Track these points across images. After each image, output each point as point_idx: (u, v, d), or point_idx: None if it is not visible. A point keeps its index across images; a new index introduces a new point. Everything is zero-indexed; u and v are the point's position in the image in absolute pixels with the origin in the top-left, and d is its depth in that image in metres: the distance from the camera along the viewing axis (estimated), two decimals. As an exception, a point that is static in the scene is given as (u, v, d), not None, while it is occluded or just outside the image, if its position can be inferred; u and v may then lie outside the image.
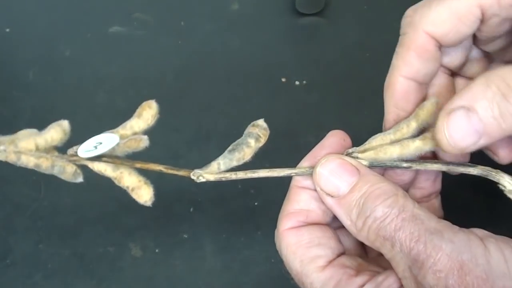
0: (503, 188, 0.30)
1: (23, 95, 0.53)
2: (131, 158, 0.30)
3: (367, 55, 0.55)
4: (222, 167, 0.30)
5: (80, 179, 0.30)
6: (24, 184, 0.48)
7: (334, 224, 0.30)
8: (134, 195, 0.30)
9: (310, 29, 0.58)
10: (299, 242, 0.28)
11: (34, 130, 0.29)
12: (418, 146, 0.29)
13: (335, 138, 0.32)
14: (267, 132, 0.30)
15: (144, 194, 0.30)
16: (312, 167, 0.29)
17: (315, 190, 0.29)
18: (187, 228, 0.46)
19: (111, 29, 0.57)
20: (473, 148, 0.27)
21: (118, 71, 0.54)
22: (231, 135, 0.51)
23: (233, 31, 0.57)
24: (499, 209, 0.46)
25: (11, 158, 0.29)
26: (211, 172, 0.30)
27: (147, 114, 0.31)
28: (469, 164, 0.31)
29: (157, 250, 0.45)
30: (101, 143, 0.29)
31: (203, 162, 0.49)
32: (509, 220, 0.46)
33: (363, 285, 0.26)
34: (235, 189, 0.47)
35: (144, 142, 0.30)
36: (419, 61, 0.30)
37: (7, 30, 0.57)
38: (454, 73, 0.35)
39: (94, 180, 0.48)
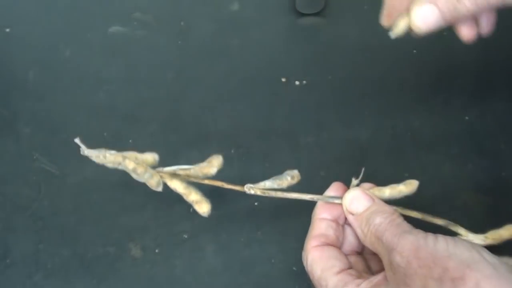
0: (460, 236, 0.40)
1: (23, 95, 0.53)
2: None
3: (367, 55, 0.55)
4: (267, 186, 0.41)
5: (160, 188, 0.40)
6: (24, 184, 0.48)
7: (345, 249, 0.40)
8: (197, 207, 0.40)
9: (310, 29, 0.58)
10: (322, 255, 0.38)
11: (135, 153, 0.39)
12: (402, 189, 0.41)
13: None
14: (299, 178, 0.41)
15: (204, 206, 0.40)
16: (336, 197, 0.40)
17: (332, 220, 0.40)
18: (187, 228, 0.46)
19: (111, 29, 0.57)
20: (435, 27, 0.39)
21: (118, 71, 0.54)
22: (231, 135, 0.51)
23: (233, 31, 0.57)
24: (499, 209, 0.46)
25: (118, 159, 0.38)
26: (259, 188, 0.41)
27: (215, 163, 0.42)
28: (438, 217, 0.40)
29: (157, 250, 0.45)
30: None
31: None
32: (509, 220, 0.46)
33: (360, 283, 0.35)
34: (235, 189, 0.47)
35: (212, 170, 0.41)
36: None
37: (7, 30, 0.57)
38: None
39: (94, 180, 0.48)
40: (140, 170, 0.39)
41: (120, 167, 0.38)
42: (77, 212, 0.47)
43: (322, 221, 0.40)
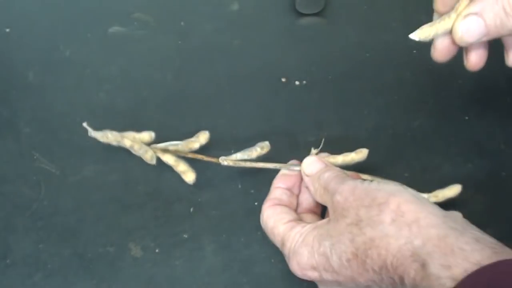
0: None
1: (23, 95, 0.53)
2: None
3: (367, 55, 0.55)
4: (239, 157, 0.45)
5: (154, 162, 0.46)
6: (24, 184, 0.48)
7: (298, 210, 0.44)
8: (184, 176, 0.46)
9: (310, 29, 0.58)
10: (274, 211, 0.42)
11: (133, 132, 0.46)
12: (353, 157, 0.45)
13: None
14: (268, 148, 0.46)
15: (189, 175, 0.46)
16: (295, 165, 0.45)
17: (286, 188, 0.44)
18: (187, 228, 0.46)
19: (111, 29, 0.57)
20: (477, 42, 0.39)
21: (118, 71, 0.54)
22: (231, 135, 0.51)
23: (233, 31, 0.57)
24: (499, 209, 0.46)
25: (118, 138, 0.44)
26: (231, 159, 0.45)
27: (202, 137, 0.47)
28: (387, 179, 0.46)
29: (157, 250, 0.45)
30: (171, 143, 0.46)
31: (203, 162, 0.49)
32: (509, 221, 0.46)
33: (305, 226, 0.39)
34: (235, 189, 0.47)
35: (196, 144, 0.47)
36: None
37: (7, 30, 0.57)
38: None
39: (94, 180, 0.48)
40: (136, 146, 0.44)
41: (120, 144, 0.45)
42: (77, 212, 0.47)
43: (277, 188, 0.44)
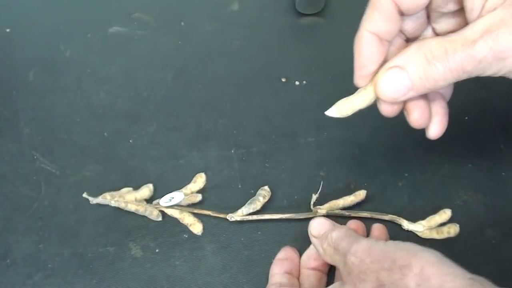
0: (403, 226, 0.45)
1: (23, 95, 0.53)
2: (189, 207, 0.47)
3: (367, 55, 0.55)
4: (245, 212, 0.45)
5: (160, 218, 0.46)
6: (24, 184, 0.48)
7: None
8: (191, 228, 0.46)
9: (310, 29, 0.58)
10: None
11: (131, 189, 0.47)
12: (353, 199, 0.46)
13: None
14: (269, 193, 0.47)
15: (197, 227, 0.46)
16: (311, 214, 0.45)
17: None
18: (187, 228, 0.46)
19: (111, 29, 0.57)
20: (403, 98, 0.36)
21: (118, 71, 0.54)
22: (231, 135, 0.51)
23: (233, 31, 0.57)
24: (499, 209, 0.46)
25: (122, 205, 0.46)
26: (238, 215, 0.46)
27: (199, 181, 0.48)
28: (383, 213, 0.46)
29: (157, 250, 0.45)
30: (173, 198, 0.45)
31: (203, 162, 0.49)
32: (509, 220, 0.46)
33: None
34: (235, 189, 0.47)
35: (198, 198, 0.47)
36: (381, 19, 0.36)
37: (7, 30, 0.57)
38: (408, 40, 0.40)
39: (94, 180, 0.48)
40: (141, 209, 0.46)
41: (126, 209, 0.46)
42: (77, 212, 0.47)
43: (276, 275, 0.42)
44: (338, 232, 0.39)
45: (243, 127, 0.51)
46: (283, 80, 0.54)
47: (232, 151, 0.49)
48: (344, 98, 0.38)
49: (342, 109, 0.38)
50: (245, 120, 0.51)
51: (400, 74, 0.35)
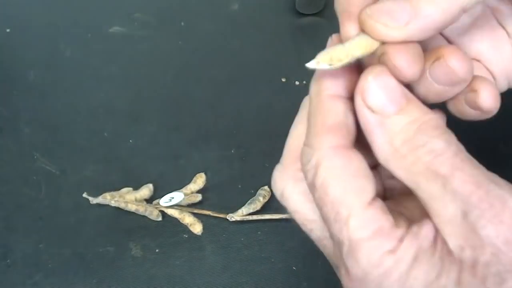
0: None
1: (23, 95, 0.53)
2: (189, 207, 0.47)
3: (367, 55, 0.55)
4: (245, 212, 0.45)
5: (160, 218, 0.46)
6: (24, 184, 0.48)
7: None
8: (191, 228, 0.46)
9: (310, 29, 0.58)
10: (346, 167, 0.24)
11: (131, 189, 0.47)
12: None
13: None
14: (270, 193, 0.46)
15: (197, 227, 0.46)
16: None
17: (349, 98, 0.25)
18: (187, 228, 0.46)
19: (111, 29, 0.57)
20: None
21: (118, 71, 0.54)
22: (231, 135, 0.51)
23: (233, 31, 0.57)
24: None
25: (122, 205, 0.46)
26: (238, 215, 0.46)
27: (199, 181, 0.47)
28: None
29: (157, 250, 0.45)
30: (173, 198, 0.45)
31: (203, 162, 0.49)
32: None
33: (402, 238, 0.23)
34: (235, 189, 0.48)
35: (198, 198, 0.47)
36: None
37: (7, 30, 0.57)
38: None
39: (94, 180, 0.48)
40: (141, 209, 0.46)
41: (126, 208, 0.46)
42: (77, 212, 0.47)
43: (336, 101, 0.26)
44: (442, 140, 0.23)
45: (243, 127, 0.51)
46: (283, 80, 0.54)
47: (232, 151, 0.49)
48: (333, 46, 0.28)
49: (335, 56, 0.27)
50: (245, 120, 0.51)
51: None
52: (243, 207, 0.46)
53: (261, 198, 0.46)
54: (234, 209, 0.46)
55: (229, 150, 0.49)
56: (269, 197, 0.46)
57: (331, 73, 0.26)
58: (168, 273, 0.44)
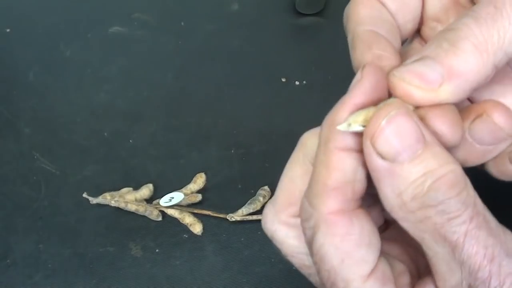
0: None
1: (23, 95, 0.53)
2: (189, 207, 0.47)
3: (367, 55, 0.55)
4: (245, 212, 0.46)
5: (160, 218, 0.46)
6: (24, 184, 0.48)
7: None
8: (191, 228, 0.46)
9: (310, 29, 0.58)
10: (347, 236, 0.22)
11: (131, 189, 0.47)
12: None
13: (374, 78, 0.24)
14: (270, 193, 0.46)
15: (197, 227, 0.45)
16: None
17: (359, 152, 0.23)
18: (187, 228, 0.46)
19: (111, 29, 0.57)
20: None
21: (118, 71, 0.54)
22: (231, 135, 0.51)
23: (233, 31, 0.57)
24: (499, 210, 0.46)
25: (122, 205, 0.46)
26: (238, 215, 0.46)
27: (199, 181, 0.47)
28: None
29: (157, 250, 0.45)
30: (173, 198, 0.45)
31: (203, 162, 0.49)
32: (509, 221, 0.46)
33: None
34: (235, 189, 0.47)
35: (198, 198, 0.47)
36: None
37: (7, 30, 0.57)
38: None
39: (94, 180, 0.48)
40: (141, 209, 0.46)
41: (126, 208, 0.46)
42: (77, 212, 0.47)
43: (346, 155, 0.23)
44: (458, 203, 0.22)
45: (243, 127, 0.51)
46: (283, 80, 0.54)
47: (232, 151, 0.49)
48: (366, 108, 0.24)
49: (369, 117, 0.23)
50: (245, 120, 0.51)
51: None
52: (243, 207, 0.46)
53: (261, 198, 0.46)
54: (234, 209, 0.46)
55: (229, 150, 0.49)
56: (269, 197, 0.46)
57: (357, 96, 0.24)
58: (168, 273, 0.44)
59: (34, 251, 0.45)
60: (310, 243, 0.23)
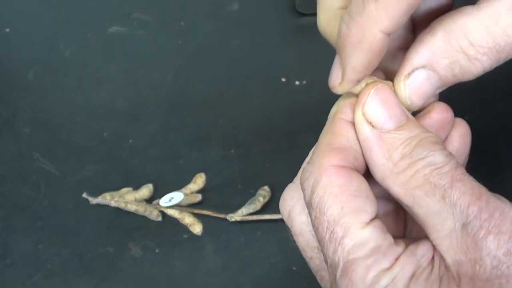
0: None
1: (23, 95, 0.53)
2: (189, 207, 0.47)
3: (367, 55, 0.55)
4: (245, 212, 0.45)
5: (160, 218, 0.46)
6: (24, 184, 0.48)
7: None
8: (191, 228, 0.45)
9: (310, 29, 0.58)
10: (345, 187, 0.24)
11: (130, 189, 0.47)
12: None
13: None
14: (270, 193, 0.46)
15: (196, 227, 0.45)
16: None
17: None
18: (187, 228, 0.46)
19: (111, 29, 0.57)
20: (429, 99, 0.27)
21: (118, 71, 0.54)
22: (231, 135, 0.51)
23: (233, 31, 0.57)
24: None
25: (122, 205, 0.46)
26: (238, 215, 0.45)
27: (199, 181, 0.47)
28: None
29: (157, 250, 0.45)
30: (173, 198, 0.46)
31: (203, 162, 0.49)
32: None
33: (399, 256, 0.23)
34: (235, 189, 0.47)
35: (198, 198, 0.47)
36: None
37: (7, 30, 0.57)
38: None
39: (94, 180, 0.48)
40: (141, 209, 0.46)
41: (126, 209, 0.46)
42: (77, 212, 0.47)
43: (350, 126, 0.26)
44: (442, 154, 0.23)
45: (243, 127, 0.51)
46: (283, 80, 0.54)
47: (232, 151, 0.49)
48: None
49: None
50: (245, 120, 0.51)
51: (428, 78, 0.26)
52: (243, 207, 0.46)
53: (261, 198, 0.46)
54: (234, 209, 0.46)
55: (229, 150, 0.49)
56: (269, 197, 0.46)
57: (353, 103, 0.27)
58: (168, 273, 0.44)
59: (34, 251, 0.45)
60: (309, 202, 0.24)
